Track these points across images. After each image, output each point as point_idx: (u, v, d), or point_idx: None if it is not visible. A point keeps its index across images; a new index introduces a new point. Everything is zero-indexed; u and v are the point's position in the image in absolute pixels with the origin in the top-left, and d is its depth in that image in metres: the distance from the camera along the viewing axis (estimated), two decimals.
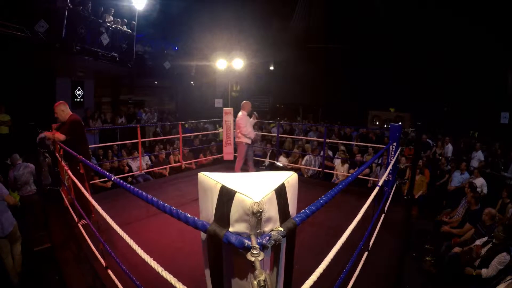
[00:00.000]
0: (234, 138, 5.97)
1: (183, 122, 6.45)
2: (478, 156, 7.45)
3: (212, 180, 0.85)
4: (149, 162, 7.43)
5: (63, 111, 3.72)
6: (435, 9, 10.88)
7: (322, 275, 1.02)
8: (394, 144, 4.57)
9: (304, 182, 5.99)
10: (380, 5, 11.99)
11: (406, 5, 11.40)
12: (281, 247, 0.90)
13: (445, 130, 9.63)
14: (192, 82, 14.79)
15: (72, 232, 3.47)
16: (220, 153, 7.21)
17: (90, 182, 3.99)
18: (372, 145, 7.64)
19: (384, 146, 5.95)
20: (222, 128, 7.06)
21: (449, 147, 8.07)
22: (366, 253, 2.78)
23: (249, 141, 5.33)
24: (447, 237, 4.64)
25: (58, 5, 7.52)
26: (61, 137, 3.58)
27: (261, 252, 0.69)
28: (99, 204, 2.03)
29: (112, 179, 1.49)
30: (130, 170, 6.67)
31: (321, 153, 6.53)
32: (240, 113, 5.31)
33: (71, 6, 7.68)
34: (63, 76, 8.99)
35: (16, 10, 6.64)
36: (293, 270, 1.05)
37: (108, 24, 9.04)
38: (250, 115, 5.43)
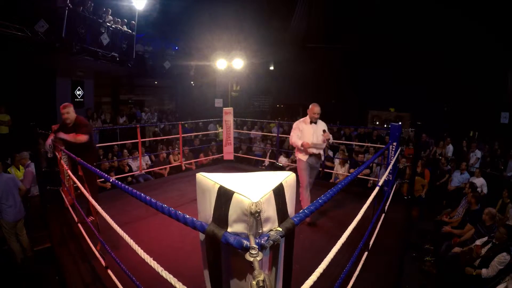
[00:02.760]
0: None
1: (183, 122, 6.45)
2: (477, 156, 7.47)
3: (210, 181, 0.85)
4: (149, 162, 7.43)
5: (74, 111, 3.66)
6: (435, 9, 10.88)
7: (322, 275, 1.02)
8: (394, 144, 4.57)
9: None
10: (380, 5, 11.99)
11: (406, 5, 11.39)
12: (280, 247, 0.90)
13: (445, 130, 9.62)
14: (192, 82, 14.80)
15: (72, 232, 3.47)
16: (220, 153, 7.22)
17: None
18: (372, 145, 7.64)
19: (384, 146, 5.94)
20: (222, 128, 7.06)
21: (450, 147, 8.07)
22: (366, 253, 2.78)
23: (303, 157, 3.87)
24: (447, 237, 4.64)
25: (58, 5, 7.53)
26: (84, 138, 3.48)
27: (260, 252, 0.69)
28: (99, 204, 2.04)
29: (111, 180, 1.49)
30: (130, 170, 6.67)
31: None
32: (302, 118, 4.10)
33: (71, 6, 7.68)
34: (63, 76, 8.99)
35: (16, 10, 6.65)
36: (294, 270, 1.05)
37: (108, 24, 9.04)
38: (314, 121, 4.01)
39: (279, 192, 0.83)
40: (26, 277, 3.98)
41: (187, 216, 0.89)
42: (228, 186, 0.79)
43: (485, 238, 3.85)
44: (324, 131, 3.94)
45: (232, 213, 0.77)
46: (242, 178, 0.88)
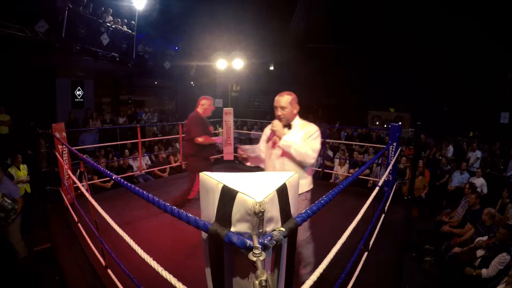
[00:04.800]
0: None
1: (183, 122, 6.45)
2: (477, 155, 7.49)
3: (214, 180, 0.84)
4: (149, 162, 7.43)
5: None
6: (435, 9, 10.89)
7: (322, 275, 1.02)
8: (394, 144, 4.57)
9: None
10: (380, 5, 12.00)
11: (406, 5, 11.41)
12: (282, 248, 0.90)
13: (445, 130, 9.63)
14: (192, 82, 14.80)
15: (72, 232, 3.47)
16: (220, 153, 7.21)
17: (89, 182, 3.98)
18: (372, 145, 7.65)
19: (384, 146, 5.95)
20: (222, 129, 7.05)
21: (450, 149, 8.09)
22: (366, 253, 2.78)
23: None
24: (447, 237, 4.64)
25: (58, 5, 7.53)
26: None
27: (263, 252, 0.69)
28: (99, 204, 2.03)
29: (113, 178, 1.49)
30: (131, 170, 6.67)
31: (321, 153, 6.52)
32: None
33: (71, 6, 7.68)
34: (63, 76, 9.00)
35: (16, 10, 6.64)
36: (294, 271, 1.05)
37: (108, 24, 9.04)
38: (284, 123, 2.46)
39: (282, 192, 0.83)
40: (26, 277, 3.98)
41: (190, 215, 0.89)
42: (232, 185, 0.79)
43: (485, 238, 3.86)
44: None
45: (236, 212, 0.77)
46: (246, 177, 0.88)
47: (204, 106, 3.66)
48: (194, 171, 3.66)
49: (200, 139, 3.50)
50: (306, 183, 2.35)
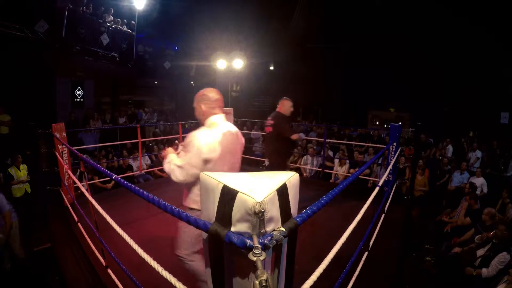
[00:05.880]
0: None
1: (183, 122, 6.44)
2: (477, 155, 7.50)
3: (214, 180, 0.84)
4: (149, 162, 7.43)
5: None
6: (435, 9, 10.89)
7: (322, 275, 1.02)
8: (394, 144, 4.57)
9: (303, 182, 5.97)
10: (380, 4, 11.99)
11: (406, 5, 11.40)
12: (283, 248, 0.90)
13: (445, 130, 9.63)
14: (192, 82, 14.79)
15: (72, 232, 3.47)
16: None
17: (89, 182, 3.99)
18: (372, 145, 7.65)
19: (384, 146, 5.95)
20: None
21: (449, 148, 8.10)
22: (366, 253, 2.78)
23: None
24: (447, 237, 4.64)
25: (58, 5, 7.54)
26: None
27: (263, 252, 0.69)
28: (99, 204, 2.03)
29: (114, 177, 1.49)
30: (131, 170, 6.67)
31: (321, 153, 6.53)
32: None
33: (71, 6, 7.69)
34: (63, 76, 9.00)
35: (16, 10, 6.65)
36: (294, 271, 1.05)
37: (108, 24, 9.05)
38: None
39: (282, 192, 0.83)
40: (26, 277, 3.98)
41: (190, 215, 0.89)
42: (232, 185, 0.79)
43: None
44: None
45: (236, 212, 0.77)
46: (246, 177, 0.88)
47: (286, 106, 4.00)
48: (280, 166, 4.09)
49: (295, 136, 3.89)
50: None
